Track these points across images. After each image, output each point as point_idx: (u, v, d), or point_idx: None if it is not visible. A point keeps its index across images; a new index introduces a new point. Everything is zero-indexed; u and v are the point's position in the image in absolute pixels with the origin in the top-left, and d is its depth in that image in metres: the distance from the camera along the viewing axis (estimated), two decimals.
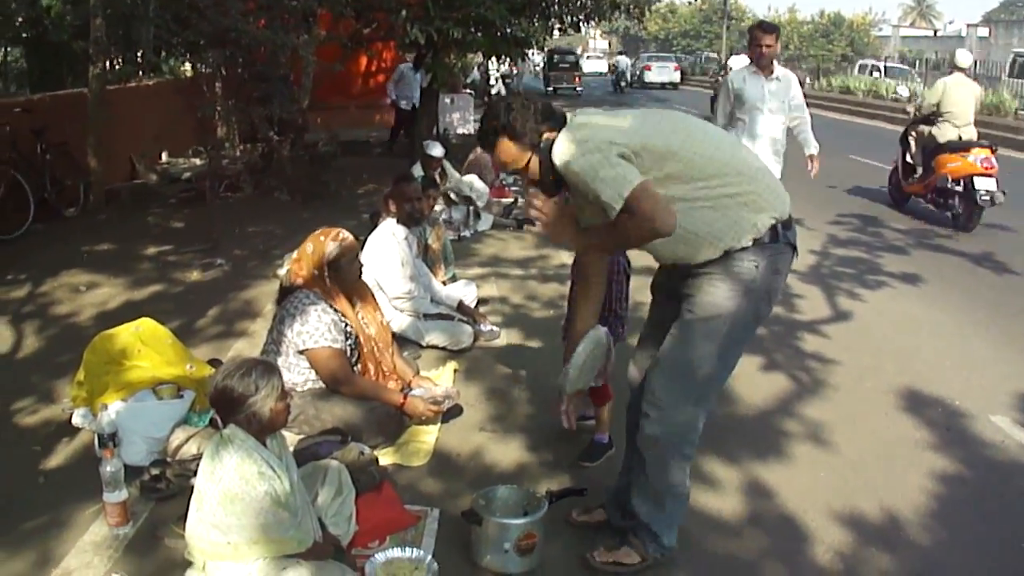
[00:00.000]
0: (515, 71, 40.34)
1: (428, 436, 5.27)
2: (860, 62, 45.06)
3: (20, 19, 16.84)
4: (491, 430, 5.43)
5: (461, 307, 7.19)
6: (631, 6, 18.18)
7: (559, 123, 3.70)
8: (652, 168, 3.44)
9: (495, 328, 7.07)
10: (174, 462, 4.67)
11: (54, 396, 5.92)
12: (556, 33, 19.18)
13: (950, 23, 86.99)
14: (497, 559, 3.95)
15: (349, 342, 5.20)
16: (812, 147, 8.70)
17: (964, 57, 12.22)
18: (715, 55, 59.64)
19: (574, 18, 17.62)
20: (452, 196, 11.03)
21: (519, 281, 8.56)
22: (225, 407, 3.43)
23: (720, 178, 3.52)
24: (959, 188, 11.27)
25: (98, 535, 4.19)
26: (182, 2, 12.46)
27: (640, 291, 4.85)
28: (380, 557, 3.85)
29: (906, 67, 41.19)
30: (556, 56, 43.11)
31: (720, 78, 22.45)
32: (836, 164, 17.19)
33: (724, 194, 3.51)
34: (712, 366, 3.69)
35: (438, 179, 10.43)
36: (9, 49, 19.27)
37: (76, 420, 5.24)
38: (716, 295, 3.58)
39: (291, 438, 4.75)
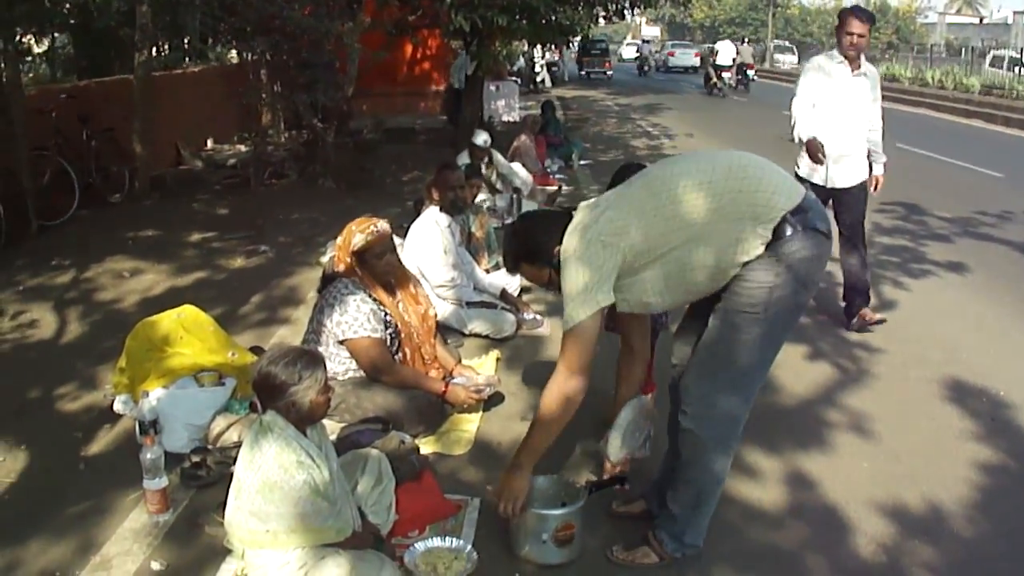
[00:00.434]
0: (559, 58, 40.47)
1: (469, 425, 5.24)
2: (994, 53, 37.06)
3: (67, 6, 16.93)
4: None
5: (504, 295, 7.15)
6: None
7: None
8: (640, 254, 3.58)
9: (538, 317, 7.03)
10: (215, 449, 4.67)
11: (96, 382, 5.95)
12: (601, 21, 19.05)
13: (997, 11, 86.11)
14: (536, 550, 3.92)
15: (389, 331, 5.17)
16: (879, 162, 7.43)
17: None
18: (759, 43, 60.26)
19: (619, 5, 17.51)
20: (497, 184, 10.98)
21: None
22: (266, 392, 3.40)
23: (717, 212, 3.52)
24: None
25: (138, 522, 4.19)
26: None
27: None
28: (420, 546, 3.83)
29: None
30: (588, 44, 45.74)
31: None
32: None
33: (722, 227, 3.51)
34: (747, 359, 3.63)
35: (484, 168, 10.39)
36: (56, 36, 19.38)
37: (117, 407, 5.25)
38: (750, 287, 3.52)
39: (332, 426, 4.73)
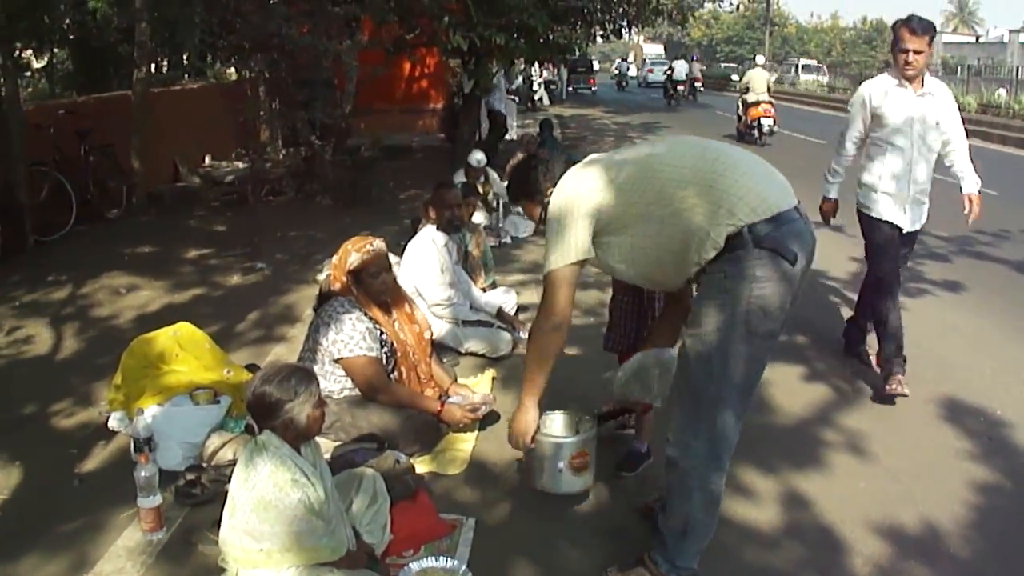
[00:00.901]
0: (556, 76, 40.60)
1: (465, 444, 5.24)
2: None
3: (66, 22, 16.98)
4: None
5: (500, 314, 7.15)
6: (674, 12, 18.14)
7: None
8: (612, 219, 3.73)
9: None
10: (209, 468, 4.66)
11: (91, 399, 5.95)
12: (599, 39, 19.14)
13: (994, 28, 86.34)
14: (552, 479, 4.15)
15: (385, 350, 5.17)
16: (971, 183, 6.56)
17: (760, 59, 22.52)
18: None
19: (616, 24, 17.59)
20: (493, 203, 11.01)
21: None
22: (262, 412, 3.40)
23: (686, 199, 3.56)
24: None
25: (132, 540, 4.18)
26: (227, 7, 12.54)
27: None
28: (414, 566, 3.82)
29: None
30: (575, 63, 47.14)
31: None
32: None
33: (682, 221, 3.56)
34: (711, 388, 3.55)
35: (480, 188, 10.42)
36: (55, 51, 19.43)
37: (112, 424, 5.25)
38: (698, 311, 3.57)
39: (327, 445, 4.74)
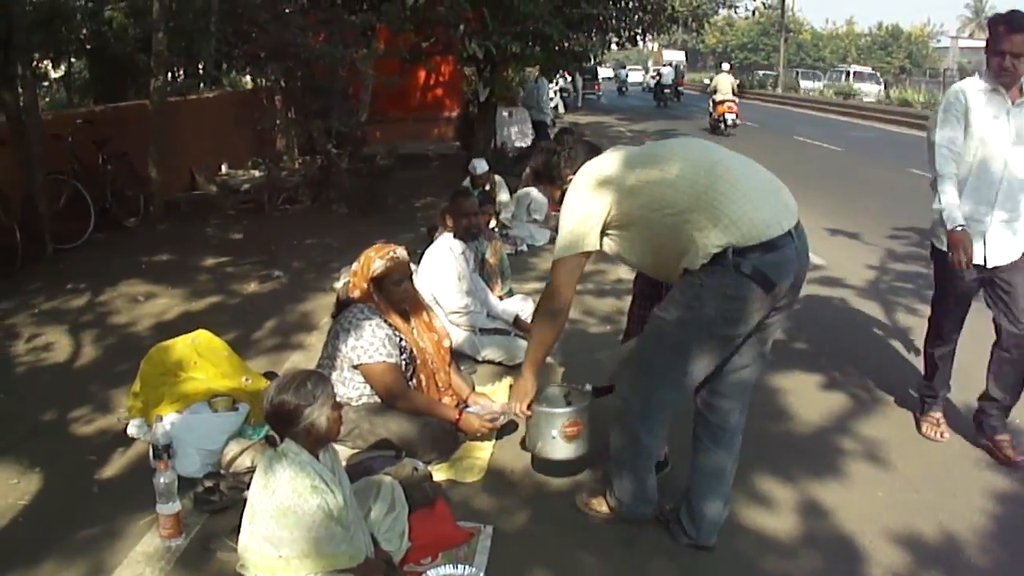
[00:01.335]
0: (570, 85, 40.59)
1: (482, 452, 5.24)
2: None
3: (83, 32, 17.06)
4: None
5: (517, 322, 7.15)
6: (689, 19, 18.14)
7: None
8: (620, 216, 3.98)
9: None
10: (228, 475, 4.67)
11: (110, 406, 5.97)
12: (614, 47, 19.15)
13: None
14: (547, 446, 4.55)
15: (404, 357, 5.17)
16: None
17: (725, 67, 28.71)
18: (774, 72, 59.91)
19: (631, 32, 17.59)
20: (501, 212, 11.06)
21: (576, 296, 8.47)
22: (283, 421, 3.42)
23: (687, 207, 3.77)
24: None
25: (150, 546, 4.19)
26: (243, 16, 12.59)
27: None
28: (432, 574, 3.82)
29: None
30: (582, 71, 48.68)
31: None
32: (895, 177, 17.08)
33: (679, 229, 3.79)
34: (660, 363, 4.00)
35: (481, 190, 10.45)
36: (73, 61, 19.51)
37: (131, 431, 5.27)
38: (670, 299, 3.91)
39: (344, 452, 4.74)
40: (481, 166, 10.77)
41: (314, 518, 3.32)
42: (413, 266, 5.86)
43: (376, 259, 5.20)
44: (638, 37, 18.41)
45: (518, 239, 10.63)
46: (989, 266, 5.25)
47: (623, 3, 17.43)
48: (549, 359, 6.78)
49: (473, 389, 5.77)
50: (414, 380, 5.28)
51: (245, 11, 12.52)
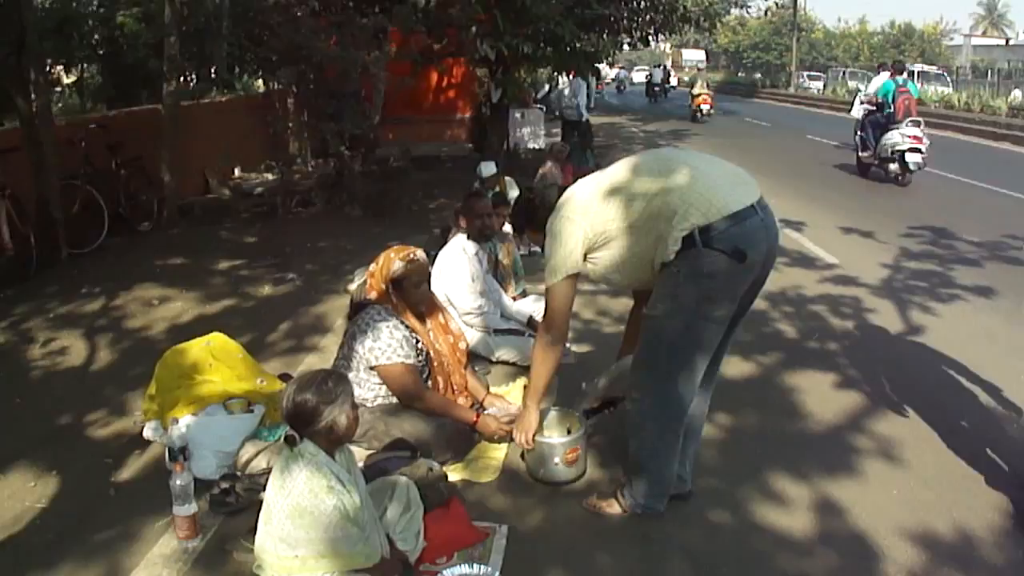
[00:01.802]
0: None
1: (498, 452, 5.24)
2: None
3: (95, 38, 17.11)
4: None
5: (531, 322, 7.14)
6: (701, 19, 18.11)
7: None
8: (597, 235, 4.18)
9: (566, 343, 7.02)
10: (244, 476, 4.69)
11: (126, 409, 5.99)
12: (625, 47, 19.13)
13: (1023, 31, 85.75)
14: (549, 472, 4.78)
15: (420, 358, 5.18)
16: None
17: (702, 66, 43.33)
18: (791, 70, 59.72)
19: (643, 32, 17.57)
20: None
21: (589, 296, 8.48)
22: (303, 420, 3.42)
23: (652, 210, 4.02)
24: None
25: (167, 548, 4.20)
26: (255, 20, 12.62)
27: None
28: (447, 573, 3.83)
29: None
30: None
31: None
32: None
33: (648, 228, 4.04)
34: (661, 358, 4.15)
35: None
36: (85, 66, 19.56)
37: (147, 433, 5.28)
38: (655, 296, 4.10)
39: (360, 453, 4.75)
40: (488, 169, 10.75)
41: (330, 518, 3.33)
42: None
43: (396, 260, 5.22)
44: (650, 37, 18.37)
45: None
46: None
47: (635, 3, 17.42)
48: (573, 350, 6.83)
49: (488, 390, 5.77)
50: (430, 382, 5.28)
51: (257, 15, 12.55)
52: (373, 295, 5.26)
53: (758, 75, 66.63)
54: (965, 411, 5.92)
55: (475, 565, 3.90)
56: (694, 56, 76.12)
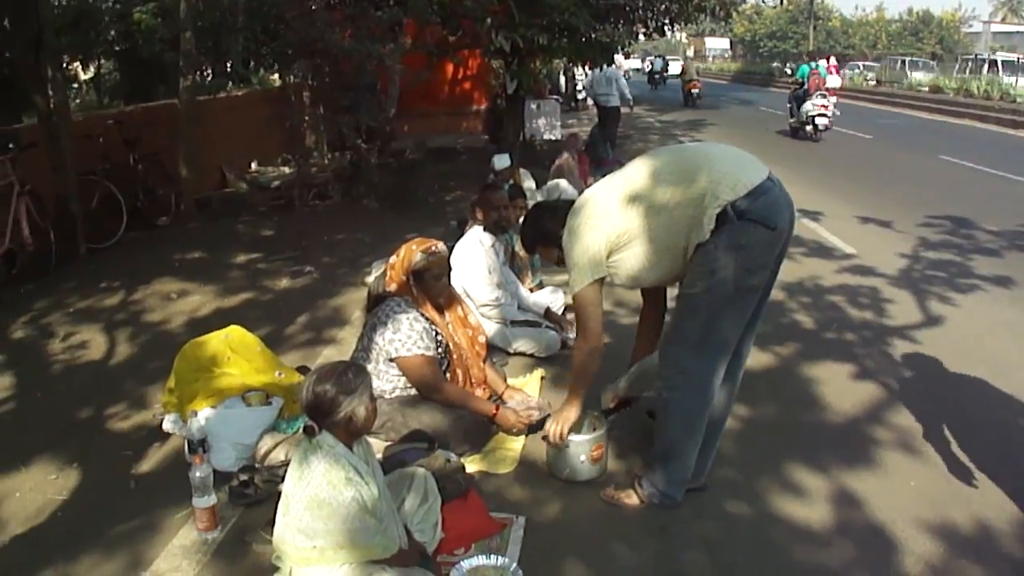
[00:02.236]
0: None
1: (515, 444, 5.25)
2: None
3: (112, 33, 17.15)
4: None
5: (548, 314, 7.16)
6: (716, 8, 18.05)
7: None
8: (621, 236, 4.27)
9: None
10: (262, 468, 4.71)
11: (145, 402, 6.02)
12: (641, 37, 19.07)
13: None
14: (575, 470, 4.77)
15: (439, 350, 5.20)
16: None
17: (690, 53, 47.46)
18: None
19: (659, 22, 17.52)
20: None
21: (606, 288, 8.45)
22: (322, 411, 3.43)
23: (678, 201, 4.13)
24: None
25: (187, 539, 4.24)
26: (270, 14, 12.63)
27: None
28: (465, 564, 3.85)
29: None
30: None
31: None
32: (927, 165, 16.97)
33: (678, 215, 4.13)
34: (699, 334, 4.19)
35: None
36: (102, 62, 19.62)
37: (167, 426, 5.31)
38: (692, 275, 4.16)
39: (378, 445, 4.77)
40: (502, 162, 10.73)
41: (348, 509, 3.34)
42: None
43: (417, 253, 5.25)
44: (665, 27, 18.30)
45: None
46: None
47: None
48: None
49: (507, 384, 5.78)
50: (448, 374, 5.30)
51: (271, 9, 12.56)
52: (393, 287, 5.28)
53: (775, 64, 66.11)
54: (984, 402, 5.90)
55: (492, 556, 3.92)
56: (718, 44, 75.96)
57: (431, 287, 5.29)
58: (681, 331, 4.26)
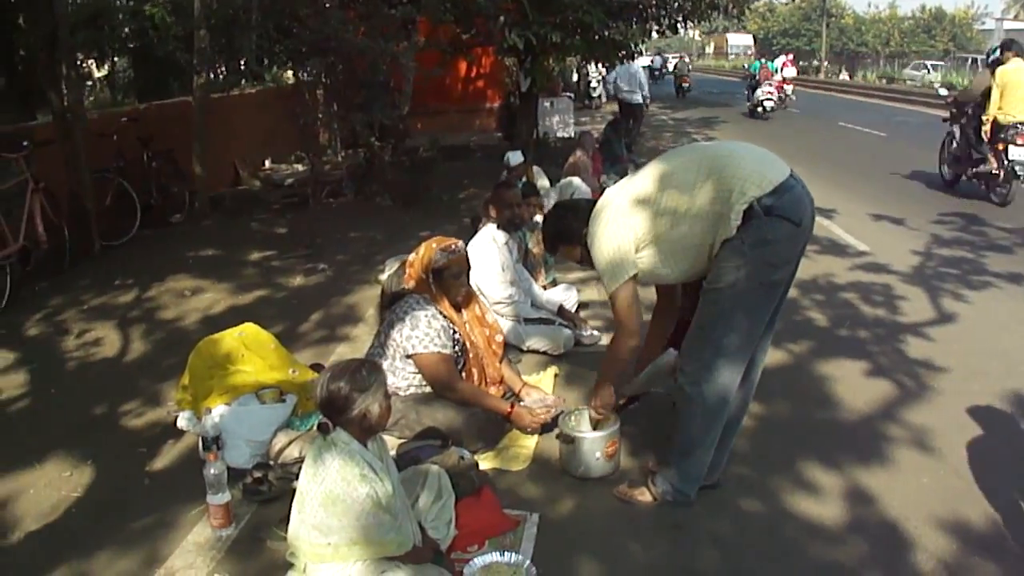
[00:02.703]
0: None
1: (529, 441, 5.25)
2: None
3: (126, 31, 17.18)
4: None
5: (561, 311, 7.16)
6: (729, 5, 18.00)
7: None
8: (647, 234, 4.29)
9: (595, 332, 7.03)
10: (276, 465, 4.72)
11: (160, 399, 6.04)
12: (654, 35, 19.01)
13: None
14: (590, 467, 4.79)
15: (456, 349, 5.20)
16: None
17: (677, 56, 50.05)
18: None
19: (672, 20, 17.47)
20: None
21: None
22: (336, 408, 3.43)
23: (702, 198, 4.17)
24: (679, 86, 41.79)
25: (201, 536, 4.25)
26: (284, 12, 12.61)
27: None
28: (479, 561, 3.86)
29: None
30: None
31: None
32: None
33: (704, 212, 4.16)
34: (720, 328, 4.21)
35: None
36: (116, 60, 19.65)
37: (181, 423, 5.32)
38: (717, 270, 4.17)
39: (392, 442, 4.77)
40: (515, 158, 10.73)
41: (363, 506, 3.34)
42: None
43: (438, 251, 5.27)
44: (679, 25, 18.24)
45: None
46: None
47: None
48: (603, 340, 6.82)
49: (524, 382, 5.78)
50: (464, 373, 5.30)
51: (285, 6, 12.55)
52: (411, 284, 5.29)
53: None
54: (997, 399, 5.87)
55: (506, 553, 3.93)
56: (741, 41, 75.70)
57: (450, 285, 5.30)
58: (705, 326, 4.26)
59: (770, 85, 29.23)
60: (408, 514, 3.68)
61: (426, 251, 5.30)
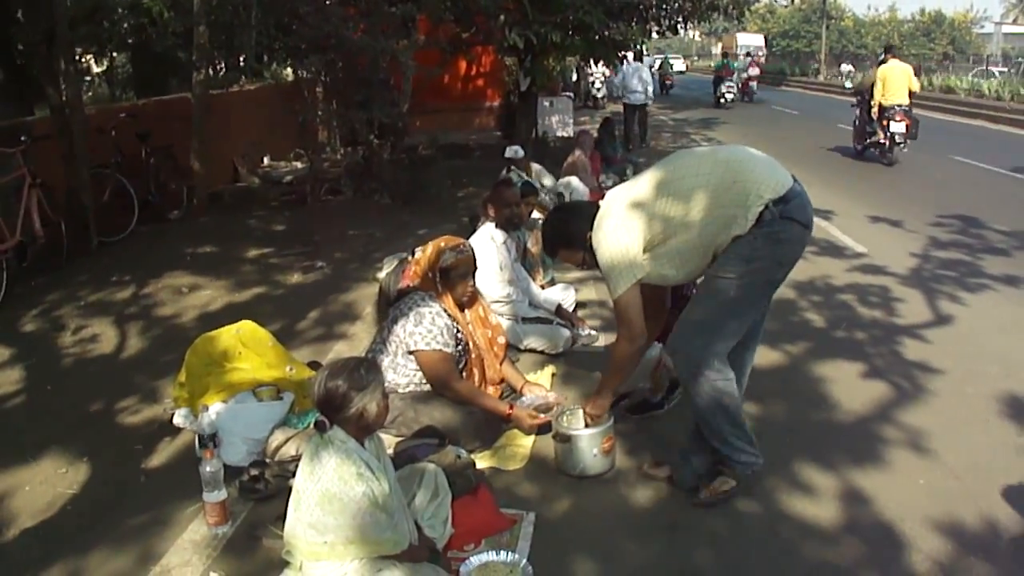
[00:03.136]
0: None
1: (525, 440, 5.24)
2: None
3: (125, 26, 17.16)
4: None
5: (559, 311, 7.16)
6: (729, 7, 18.01)
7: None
8: (655, 236, 4.32)
9: (593, 332, 7.03)
10: (273, 463, 4.72)
11: (156, 396, 6.03)
12: (654, 35, 19.02)
13: None
14: (588, 464, 4.77)
15: (459, 347, 5.20)
16: None
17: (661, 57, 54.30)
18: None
19: (672, 20, 17.48)
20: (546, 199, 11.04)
21: (606, 286, 8.46)
22: (333, 406, 3.43)
23: (712, 203, 4.22)
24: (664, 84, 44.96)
25: (197, 534, 4.24)
26: (283, 9, 12.60)
27: None
28: (475, 560, 3.86)
29: None
30: None
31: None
32: (938, 165, 16.92)
33: (717, 215, 4.21)
34: (720, 314, 4.30)
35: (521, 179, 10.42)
36: (115, 56, 19.64)
37: (177, 420, 5.31)
38: (727, 260, 4.24)
39: (389, 440, 4.77)
40: (513, 149, 10.76)
41: (359, 505, 3.34)
42: None
43: (447, 251, 5.30)
44: (679, 26, 18.25)
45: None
46: None
47: None
48: (601, 340, 6.82)
49: (526, 380, 5.78)
50: (464, 372, 5.30)
51: (286, 3, 12.54)
52: (416, 282, 5.30)
53: (783, 63, 66.11)
54: (992, 401, 5.88)
55: (502, 552, 3.92)
56: (751, 41, 75.84)
57: (456, 285, 5.32)
58: (700, 314, 4.34)
59: (731, 81, 36.31)
60: (404, 513, 3.68)
61: (435, 250, 5.32)
